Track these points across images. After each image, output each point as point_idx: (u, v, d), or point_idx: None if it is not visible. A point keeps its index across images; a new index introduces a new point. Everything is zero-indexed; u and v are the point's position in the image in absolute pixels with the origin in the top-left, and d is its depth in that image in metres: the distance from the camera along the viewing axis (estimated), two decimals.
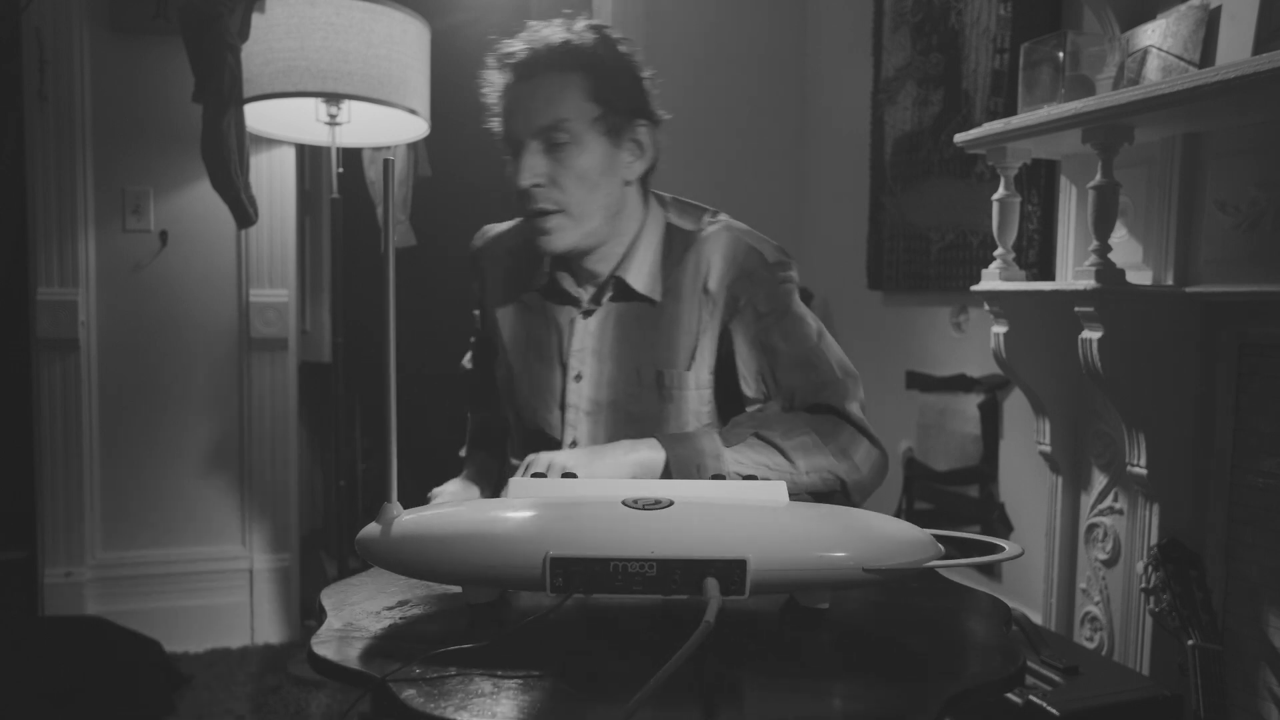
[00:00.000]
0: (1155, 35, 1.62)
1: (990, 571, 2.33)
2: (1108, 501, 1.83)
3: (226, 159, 2.21)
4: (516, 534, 0.78)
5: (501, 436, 1.47)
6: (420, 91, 2.38)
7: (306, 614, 2.84)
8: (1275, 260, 1.51)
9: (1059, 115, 1.59)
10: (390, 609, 0.86)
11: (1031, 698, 1.50)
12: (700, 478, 1.11)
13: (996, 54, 2.25)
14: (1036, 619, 1.96)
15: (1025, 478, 2.21)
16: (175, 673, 2.43)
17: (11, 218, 2.64)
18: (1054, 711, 1.47)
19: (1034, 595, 2.09)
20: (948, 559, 0.81)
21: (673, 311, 1.27)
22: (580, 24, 1.28)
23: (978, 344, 2.38)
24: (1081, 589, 1.90)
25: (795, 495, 1.07)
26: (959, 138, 1.89)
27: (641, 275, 1.28)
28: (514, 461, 1.36)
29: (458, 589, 0.87)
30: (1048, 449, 1.93)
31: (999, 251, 1.88)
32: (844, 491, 1.21)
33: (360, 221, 3.23)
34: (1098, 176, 1.58)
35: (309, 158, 3.13)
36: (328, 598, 0.90)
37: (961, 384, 2.42)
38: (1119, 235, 1.76)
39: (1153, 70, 1.61)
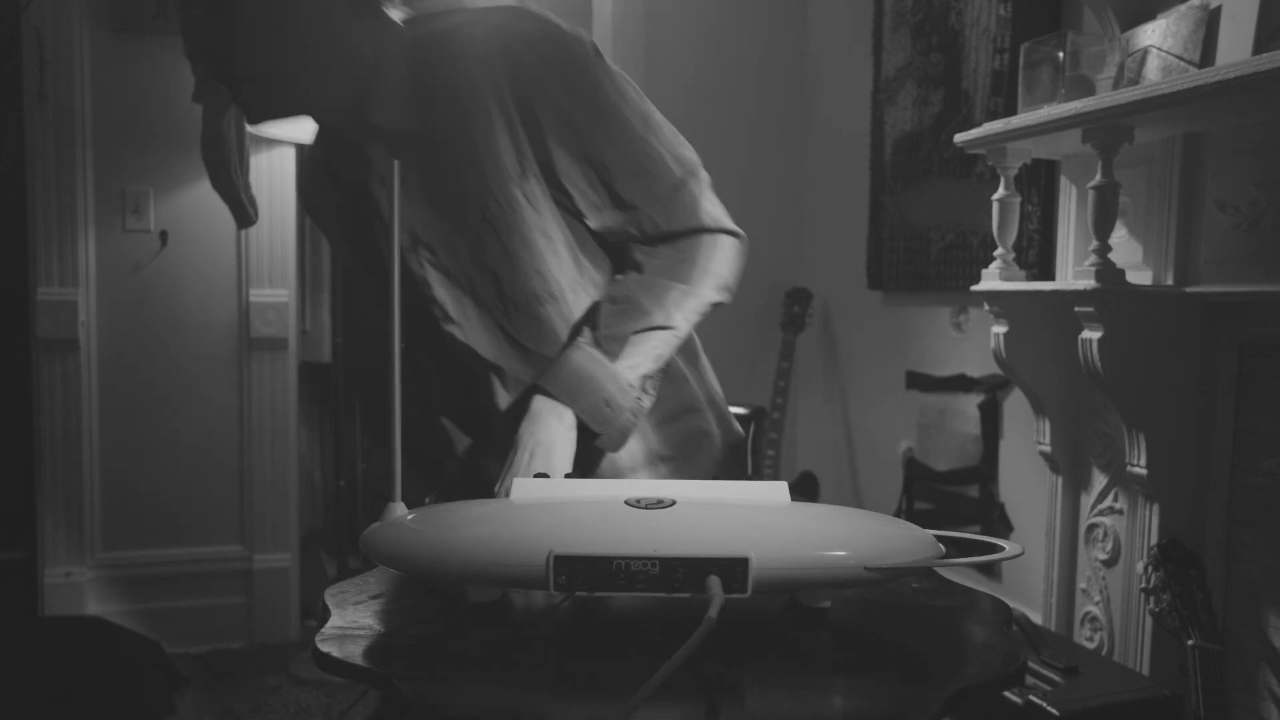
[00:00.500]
0: (1155, 35, 1.62)
1: (990, 571, 2.33)
2: (1108, 501, 1.83)
3: (226, 159, 2.22)
4: (520, 533, 0.78)
5: None
6: None
7: (306, 614, 2.85)
8: (1275, 260, 1.51)
9: (1059, 115, 1.59)
10: (393, 608, 0.86)
11: (1031, 698, 1.50)
12: (614, 416, 1.06)
13: (996, 54, 2.26)
14: (1036, 619, 1.96)
15: (1025, 478, 2.21)
16: (175, 673, 2.43)
17: (11, 218, 2.64)
18: (1054, 711, 1.47)
19: (1034, 595, 2.09)
20: (948, 559, 0.81)
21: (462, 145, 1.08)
22: None
23: (978, 344, 2.38)
24: (1081, 589, 1.90)
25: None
26: (959, 138, 1.89)
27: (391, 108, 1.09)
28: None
29: (461, 588, 0.87)
30: (1048, 449, 1.93)
31: (999, 251, 1.88)
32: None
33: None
34: (1098, 176, 1.58)
35: None
36: (331, 596, 0.90)
37: (961, 384, 2.43)
38: (1119, 235, 1.76)
39: (1153, 70, 1.61)
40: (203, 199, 2.59)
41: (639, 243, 1.16)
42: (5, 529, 2.78)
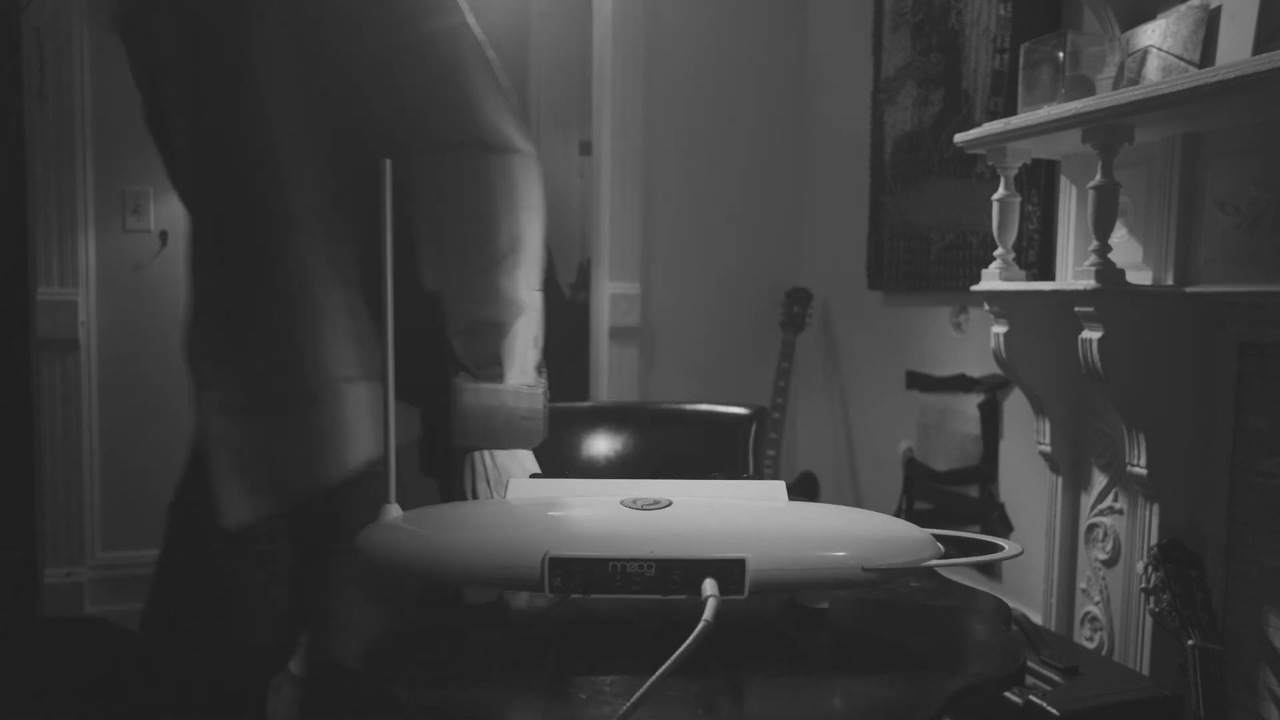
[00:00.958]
0: (1155, 35, 1.62)
1: (990, 571, 2.33)
2: (1108, 501, 1.83)
3: None
4: (515, 534, 0.78)
5: None
6: None
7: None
8: (1275, 260, 1.50)
9: (1059, 115, 1.59)
10: (389, 609, 0.86)
11: (1031, 698, 1.50)
12: (534, 425, 1.02)
13: (996, 54, 2.25)
14: (1036, 619, 1.96)
15: (1025, 478, 2.21)
16: None
17: (11, 218, 2.64)
18: (1054, 711, 1.47)
19: (1034, 595, 2.09)
20: (948, 559, 0.81)
21: None
22: None
23: (978, 344, 2.38)
24: (1081, 589, 1.90)
25: None
26: (959, 138, 1.89)
27: None
28: None
29: (457, 589, 0.87)
30: (1048, 449, 1.93)
31: (999, 251, 1.88)
32: None
33: None
34: (1098, 176, 1.58)
35: None
36: (326, 599, 0.89)
37: (961, 384, 2.42)
38: (1119, 235, 1.76)
39: (1153, 70, 1.61)
40: None
41: None
42: (5, 529, 2.78)
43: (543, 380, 1.05)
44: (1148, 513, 1.72)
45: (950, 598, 0.92)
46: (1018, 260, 1.95)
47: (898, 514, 2.58)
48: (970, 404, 2.38)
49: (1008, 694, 1.49)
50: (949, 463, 2.47)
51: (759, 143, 3.20)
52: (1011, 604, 1.71)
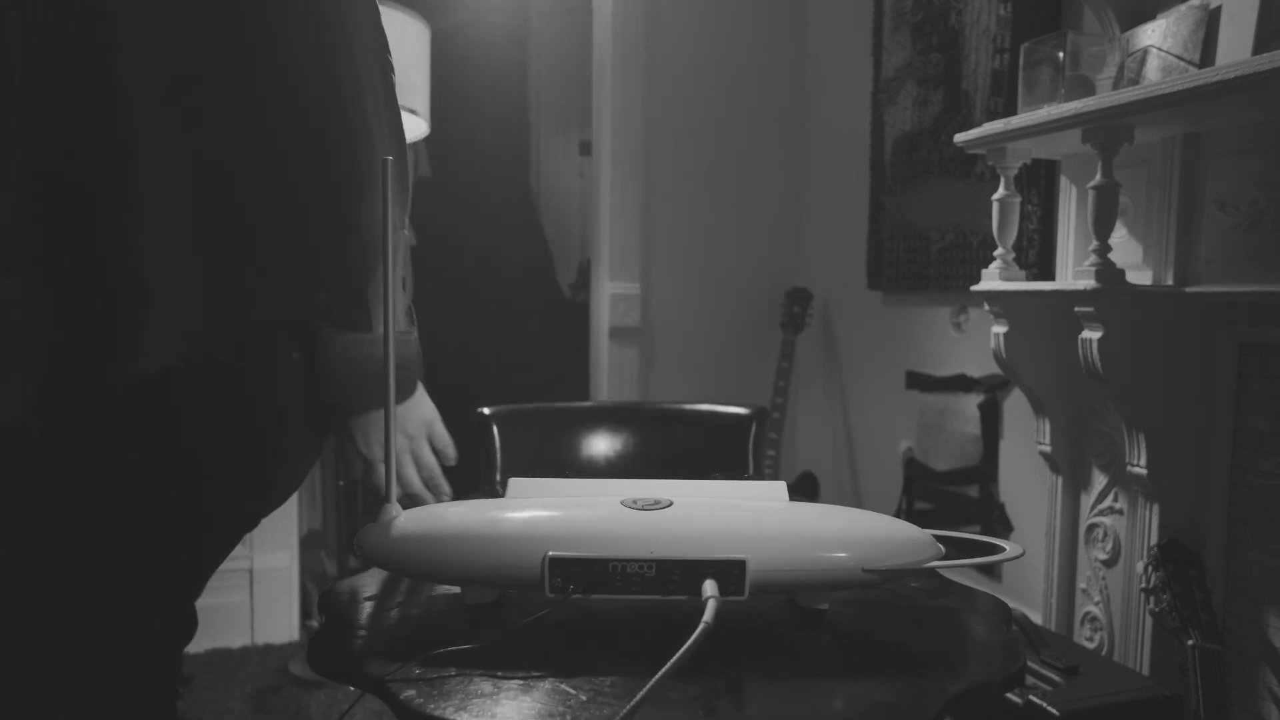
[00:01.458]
0: (1155, 35, 1.62)
1: (990, 571, 2.33)
2: (1108, 501, 1.83)
3: None
4: (515, 534, 0.78)
5: None
6: (420, 91, 2.38)
7: (306, 614, 2.85)
8: (1275, 260, 1.51)
9: (1059, 115, 1.59)
10: (390, 609, 0.86)
11: (1031, 698, 1.50)
12: (410, 373, 0.96)
13: (996, 54, 2.25)
14: (1036, 619, 1.96)
15: (1025, 478, 2.21)
16: None
17: None
18: (1054, 711, 1.47)
19: (1034, 595, 2.09)
20: (948, 559, 0.81)
21: None
22: None
23: (978, 344, 2.38)
24: (1081, 589, 1.90)
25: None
26: (959, 138, 1.89)
27: None
28: None
29: (457, 589, 0.87)
30: (1048, 449, 1.93)
31: (999, 251, 1.88)
32: None
33: None
34: (1098, 176, 1.58)
35: None
36: (327, 598, 0.90)
37: (961, 384, 2.42)
38: (1119, 235, 1.76)
39: (1153, 70, 1.61)
40: None
41: None
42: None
43: (413, 328, 0.98)
44: (1148, 513, 1.72)
45: (950, 598, 0.92)
46: (1018, 260, 1.95)
47: (898, 514, 2.58)
48: (970, 404, 2.38)
49: (1008, 694, 1.49)
50: (949, 463, 2.47)
51: (759, 143, 3.20)
52: (1011, 604, 1.71)
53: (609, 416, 1.69)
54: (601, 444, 1.63)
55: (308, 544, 3.10)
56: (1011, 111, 1.97)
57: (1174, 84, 1.39)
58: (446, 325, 3.78)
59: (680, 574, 0.74)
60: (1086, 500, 1.89)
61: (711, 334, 3.17)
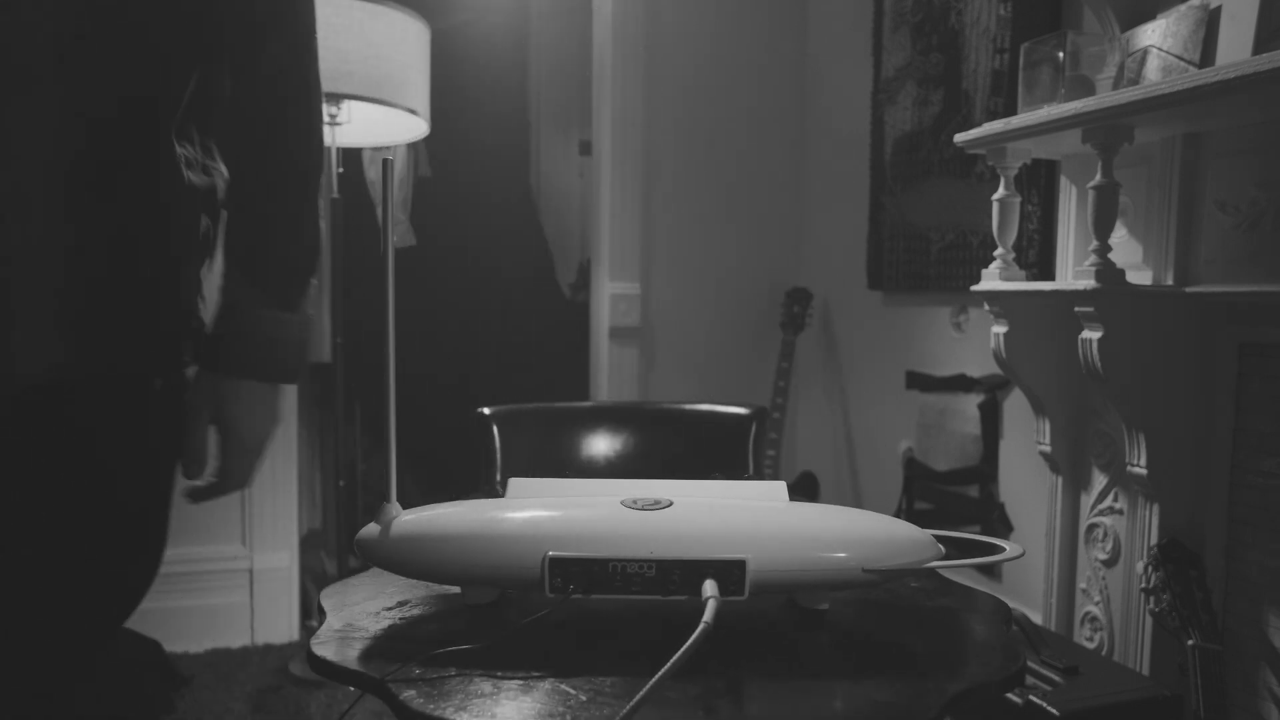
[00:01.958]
0: (1155, 35, 1.62)
1: (990, 571, 2.33)
2: (1108, 501, 1.83)
3: None
4: (515, 534, 0.78)
5: None
6: (420, 91, 2.38)
7: (306, 614, 2.85)
8: (1275, 260, 1.50)
9: (1059, 115, 1.59)
10: (390, 609, 0.86)
11: (1031, 698, 1.50)
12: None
13: (996, 54, 2.25)
14: (1036, 619, 1.96)
15: (1025, 478, 2.21)
16: (175, 673, 2.43)
17: None
18: (1054, 711, 1.47)
19: (1034, 595, 2.09)
20: (948, 559, 0.81)
21: None
22: None
23: (978, 344, 2.38)
24: (1081, 589, 1.90)
25: None
26: (959, 138, 1.89)
27: None
28: None
29: (457, 589, 0.87)
30: (1048, 449, 1.93)
31: (999, 251, 1.88)
32: None
33: (360, 221, 3.23)
34: (1098, 176, 1.58)
35: None
36: (327, 598, 0.90)
37: (961, 384, 2.42)
38: (1119, 235, 1.76)
39: (1153, 70, 1.61)
40: None
41: None
42: None
43: (307, 312, 0.95)
44: (1148, 513, 1.72)
45: (950, 598, 0.92)
46: (1018, 260, 1.95)
47: (898, 514, 2.58)
48: (970, 404, 2.38)
49: (1008, 694, 1.49)
50: (949, 463, 2.47)
51: (759, 143, 3.20)
52: (1011, 604, 1.71)
53: (609, 416, 1.69)
54: (601, 444, 1.63)
55: (308, 544, 3.10)
56: (1011, 111, 1.97)
57: (1174, 84, 1.39)
58: (446, 325, 3.78)
59: (680, 574, 0.74)
60: (1086, 500, 1.89)
61: (711, 334, 3.17)
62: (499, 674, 0.70)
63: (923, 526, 0.83)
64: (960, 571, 2.25)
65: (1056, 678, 1.58)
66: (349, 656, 0.74)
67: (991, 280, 1.88)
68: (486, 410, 1.56)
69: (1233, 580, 1.64)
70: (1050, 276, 2.04)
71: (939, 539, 0.83)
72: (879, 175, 2.76)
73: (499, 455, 1.54)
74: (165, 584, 2.83)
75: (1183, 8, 1.58)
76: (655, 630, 0.79)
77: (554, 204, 4.26)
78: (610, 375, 3.08)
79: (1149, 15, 1.68)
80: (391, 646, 0.76)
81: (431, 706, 0.64)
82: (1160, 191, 1.71)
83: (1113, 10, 1.72)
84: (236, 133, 0.89)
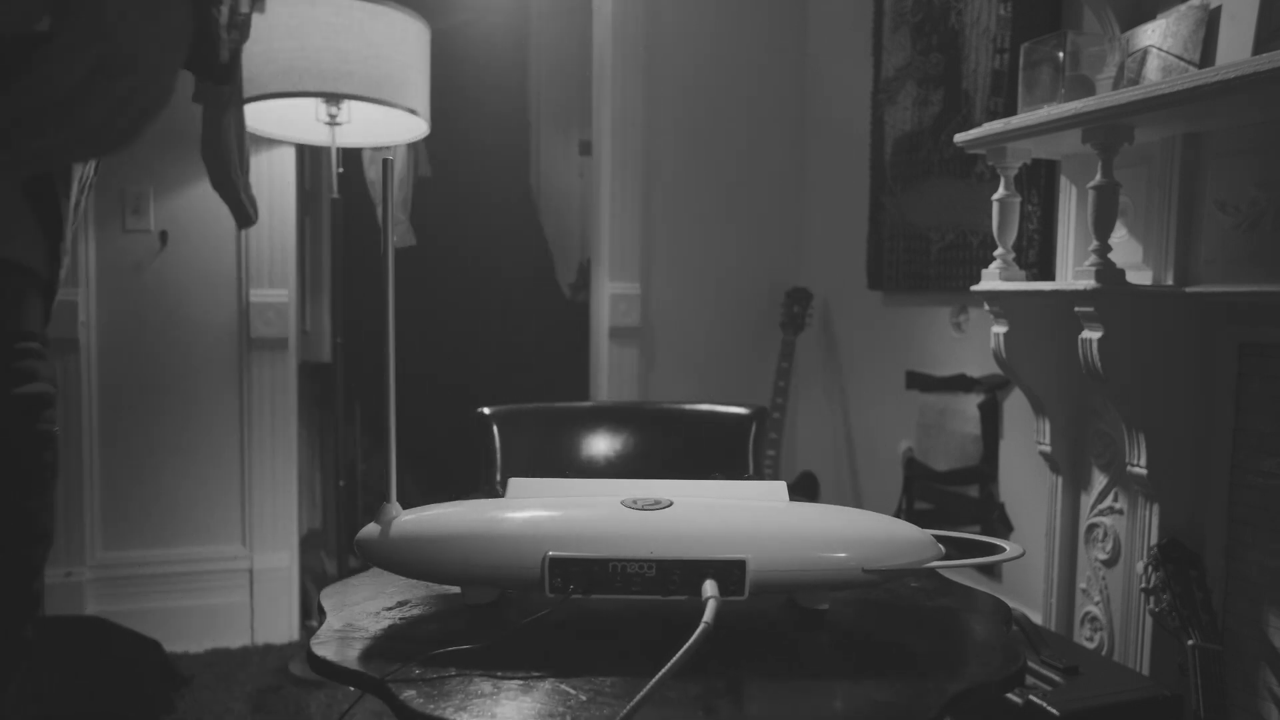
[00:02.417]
0: (1155, 35, 1.62)
1: (990, 571, 2.33)
2: (1108, 501, 1.83)
3: (226, 159, 2.21)
4: (515, 534, 0.78)
5: None
6: (420, 91, 2.38)
7: (306, 614, 2.85)
8: (1275, 260, 1.50)
9: (1059, 115, 1.59)
10: (390, 609, 0.86)
11: (1031, 698, 1.50)
12: None
13: (996, 54, 2.25)
14: (1036, 619, 1.96)
15: (1025, 478, 2.21)
16: (175, 673, 2.43)
17: None
18: (1054, 711, 1.47)
19: (1034, 595, 2.09)
20: (948, 559, 0.81)
21: None
22: None
23: (978, 344, 2.38)
24: (1081, 589, 1.90)
25: None
26: (959, 138, 1.89)
27: None
28: None
29: (457, 589, 0.87)
30: (1048, 449, 1.93)
31: (999, 251, 1.88)
32: None
33: (360, 221, 3.23)
34: (1098, 176, 1.58)
35: (309, 158, 3.13)
36: (327, 598, 0.90)
37: (961, 384, 2.42)
38: (1119, 235, 1.76)
39: (1153, 70, 1.61)
40: (202, 199, 2.59)
41: None
42: None
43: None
44: (1148, 513, 1.72)
45: (950, 598, 0.92)
46: (1018, 260, 1.95)
47: (898, 514, 2.58)
48: (970, 404, 2.38)
49: (1008, 694, 1.49)
50: (949, 463, 2.47)
51: (759, 142, 3.20)
52: (1011, 604, 1.71)
53: (609, 416, 1.69)
54: (601, 444, 1.63)
55: (308, 544, 3.10)
56: (1011, 111, 1.97)
57: (1174, 84, 1.39)
58: (446, 325, 3.78)
59: (680, 574, 0.74)
60: (1086, 500, 1.89)
61: (711, 334, 3.17)
62: (499, 674, 0.70)
63: (923, 526, 0.83)
64: (960, 571, 2.25)
65: (1056, 678, 1.58)
66: (349, 656, 0.74)
67: (991, 280, 1.88)
68: (486, 410, 1.56)
69: (1233, 580, 1.64)
70: (1050, 276, 2.04)
71: (939, 539, 0.83)
72: (879, 175, 2.76)
73: (499, 455, 1.54)
74: (165, 584, 2.85)
75: (1183, 8, 1.58)
76: (655, 630, 0.79)
77: (554, 204, 4.26)
78: (610, 375, 3.08)
79: (1149, 15, 1.68)
80: (391, 646, 0.76)
81: (431, 706, 0.64)
82: (1160, 191, 1.71)
83: (1113, 10, 1.72)
84: None
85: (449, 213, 3.76)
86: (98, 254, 2.61)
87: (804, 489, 3.04)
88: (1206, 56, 1.53)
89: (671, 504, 0.80)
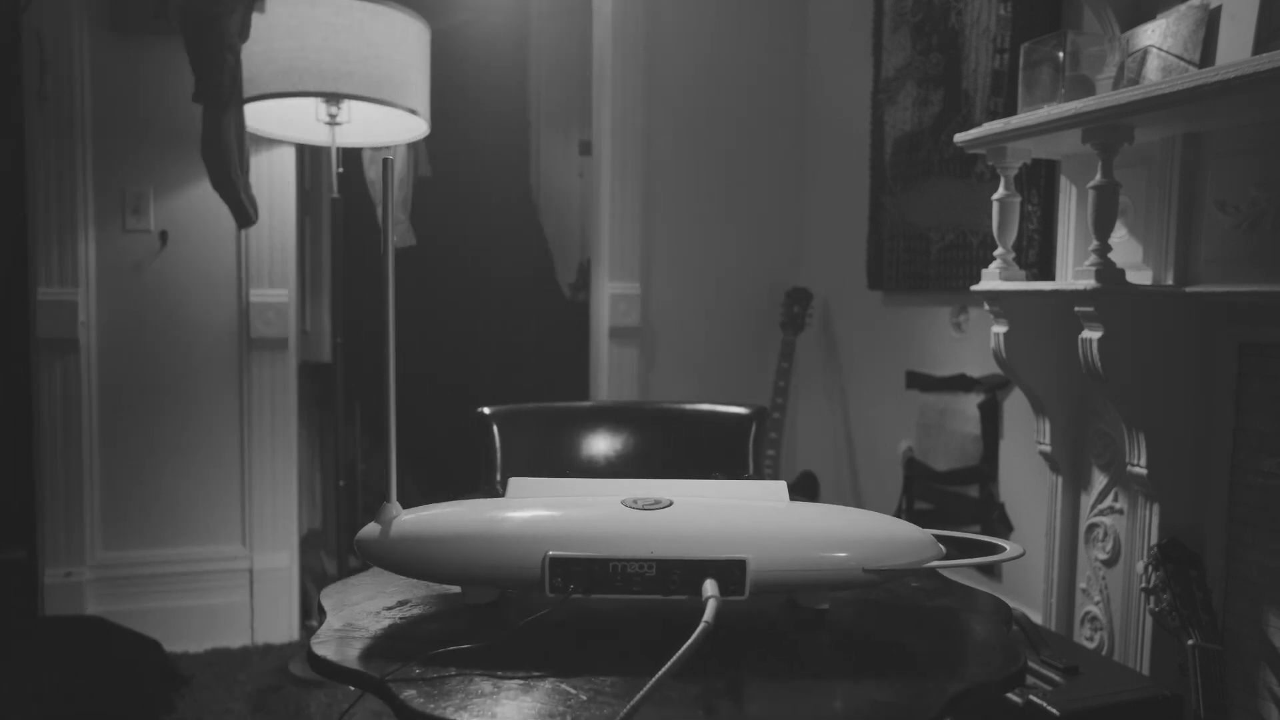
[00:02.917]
0: (1155, 35, 1.62)
1: (990, 571, 2.33)
2: (1108, 501, 1.83)
3: (226, 159, 2.21)
4: (516, 534, 0.78)
5: None
6: (420, 91, 2.38)
7: (306, 614, 2.85)
8: (1275, 260, 1.50)
9: (1059, 115, 1.59)
10: (390, 609, 0.86)
11: (1032, 698, 1.50)
12: None
13: (996, 54, 2.25)
14: (1036, 619, 1.96)
15: (1025, 478, 2.21)
16: (175, 673, 2.43)
17: (11, 218, 2.64)
18: (1054, 711, 1.47)
19: (1034, 595, 2.09)
20: (948, 559, 0.81)
21: None
22: None
23: (978, 344, 2.38)
24: (1081, 589, 1.90)
25: None
26: (959, 138, 1.89)
27: None
28: None
29: (457, 589, 0.87)
30: (1048, 449, 1.93)
31: (999, 251, 1.88)
32: None
33: (360, 221, 3.23)
34: (1098, 176, 1.58)
35: (309, 158, 3.13)
36: (328, 598, 0.90)
37: (961, 384, 2.42)
38: (1119, 235, 1.76)
39: (1153, 70, 1.61)
40: (203, 199, 2.59)
41: None
42: (5, 529, 2.78)
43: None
44: (1148, 513, 1.72)
45: (950, 598, 0.92)
46: (1018, 260, 1.95)
47: (898, 514, 2.58)
48: (970, 404, 2.38)
49: (1008, 694, 1.49)
50: (949, 463, 2.47)
51: (759, 142, 3.20)
52: (1011, 604, 1.71)
53: (609, 416, 1.69)
54: (601, 444, 1.63)
55: (308, 544, 3.10)
56: (1011, 111, 1.97)
57: (1174, 84, 1.39)
58: (446, 325, 3.78)
59: (680, 574, 0.74)
60: (1086, 500, 1.89)
61: (711, 334, 3.17)
62: (499, 674, 0.70)
63: (923, 526, 0.83)
64: (960, 571, 2.25)
65: (1056, 678, 1.58)
66: (349, 656, 0.74)
67: (991, 280, 1.88)
68: (487, 410, 1.56)
69: (1233, 580, 1.64)
70: (1050, 276, 2.04)
71: (939, 539, 0.83)
72: (879, 175, 2.76)
73: (499, 455, 1.54)
74: (165, 584, 2.86)
75: (1183, 8, 1.58)
76: (655, 630, 0.79)
77: (554, 204, 4.26)
78: (610, 375, 3.08)
79: (1149, 15, 1.68)
80: (391, 646, 0.76)
81: (431, 706, 0.64)
82: (1160, 191, 1.71)
83: (1113, 10, 1.72)
84: None
85: (449, 213, 3.76)
86: (98, 254, 2.61)
87: (804, 489, 3.04)
88: (1206, 56, 1.53)
89: (671, 504, 0.80)
